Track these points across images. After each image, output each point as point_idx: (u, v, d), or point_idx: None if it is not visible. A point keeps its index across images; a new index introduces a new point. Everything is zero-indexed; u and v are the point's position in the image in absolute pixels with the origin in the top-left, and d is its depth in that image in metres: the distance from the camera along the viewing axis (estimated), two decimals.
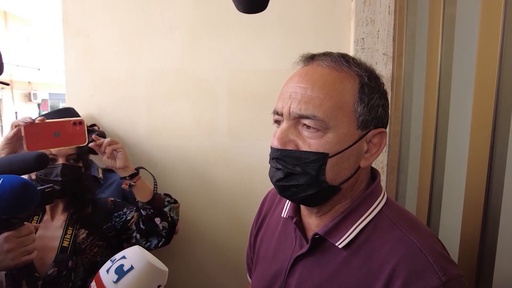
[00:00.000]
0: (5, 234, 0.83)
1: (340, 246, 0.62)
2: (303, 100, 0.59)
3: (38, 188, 0.89)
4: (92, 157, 1.35)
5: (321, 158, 0.58)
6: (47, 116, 1.28)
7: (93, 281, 0.61)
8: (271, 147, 0.63)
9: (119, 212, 1.27)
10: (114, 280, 0.58)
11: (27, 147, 1.02)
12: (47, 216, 1.22)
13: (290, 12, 1.46)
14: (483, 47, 0.88)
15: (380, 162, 1.38)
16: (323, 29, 1.45)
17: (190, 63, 1.52)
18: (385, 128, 0.64)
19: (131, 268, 0.59)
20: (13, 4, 8.83)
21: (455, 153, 1.03)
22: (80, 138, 1.10)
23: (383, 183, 1.40)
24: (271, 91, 1.47)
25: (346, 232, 0.62)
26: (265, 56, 1.49)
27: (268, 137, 0.67)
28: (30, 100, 10.50)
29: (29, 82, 10.42)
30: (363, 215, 0.63)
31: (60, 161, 1.17)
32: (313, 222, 0.68)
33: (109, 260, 0.63)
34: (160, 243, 1.24)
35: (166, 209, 1.23)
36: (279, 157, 0.61)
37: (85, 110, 1.55)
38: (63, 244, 1.16)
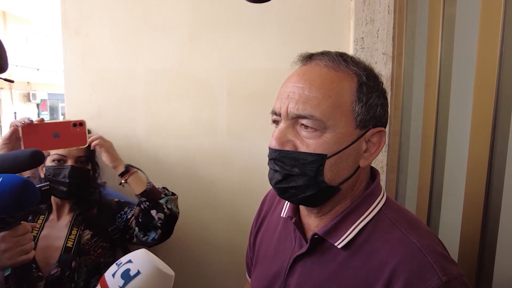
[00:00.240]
0: (1, 234, 0.82)
1: (339, 247, 0.61)
2: (300, 100, 0.59)
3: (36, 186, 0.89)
4: None
5: (319, 159, 0.58)
6: None
7: (98, 285, 0.60)
8: (269, 148, 0.62)
9: (121, 212, 1.28)
10: (120, 285, 0.58)
11: (25, 148, 1.02)
12: (53, 216, 1.23)
13: (289, 11, 1.46)
14: (483, 46, 0.88)
15: (380, 162, 1.38)
16: (323, 28, 1.45)
17: (189, 62, 1.52)
18: (385, 127, 0.64)
19: (138, 273, 0.58)
20: (11, 4, 8.81)
21: (455, 152, 1.03)
22: (80, 140, 1.10)
23: (383, 183, 1.40)
24: (271, 90, 1.47)
25: (345, 233, 0.62)
26: (265, 56, 1.49)
27: (268, 137, 0.67)
28: (29, 100, 10.48)
29: (28, 82, 10.40)
30: (362, 215, 0.62)
31: (69, 162, 1.19)
32: (313, 222, 0.68)
33: (114, 264, 0.62)
34: (157, 236, 1.21)
35: (162, 201, 1.21)
36: (277, 158, 0.61)
37: (84, 110, 1.55)
38: (67, 244, 1.17)
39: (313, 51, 0.66)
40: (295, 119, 0.60)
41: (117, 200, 1.35)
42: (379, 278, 0.57)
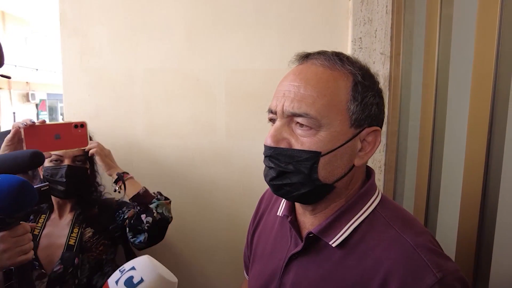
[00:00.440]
0: (0, 234, 0.83)
1: (333, 245, 0.62)
2: (296, 98, 0.59)
3: (35, 186, 0.90)
4: None
5: (314, 156, 0.59)
6: None
7: None
8: (264, 145, 0.63)
9: (119, 211, 1.30)
10: None
11: (27, 148, 1.03)
12: (54, 215, 1.26)
13: (288, 12, 1.46)
14: (480, 46, 0.89)
15: (378, 162, 1.39)
16: (321, 28, 1.45)
17: (187, 62, 1.52)
18: (381, 127, 0.64)
19: (141, 280, 0.59)
20: (10, 4, 8.79)
21: (452, 152, 1.03)
22: (81, 141, 1.11)
23: (381, 182, 1.40)
24: (269, 90, 1.45)
25: (340, 231, 0.62)
26: (263, 56, 1.49)
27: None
28: (28, 100, 10.45)
29: (27, 82, 10.37)
30: (357, 214, 0.63)
31: (66, 162, 1.21)
32: (308, 220, 0.68)
33: (117, 270, 0.62)
34: (144, 239, 1.21)
35: (152, 206, 1.22)
36: (272, 155, 0.61)
37: (83, 110, 1.56)
38: (69, 242, 1.19)
39: (311, 51, 0.67)
40: (291, 117, 0.61)
41: (117, 199, 1.36)
42: (374, 278, 0.57)
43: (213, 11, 1.49)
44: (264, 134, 0.63)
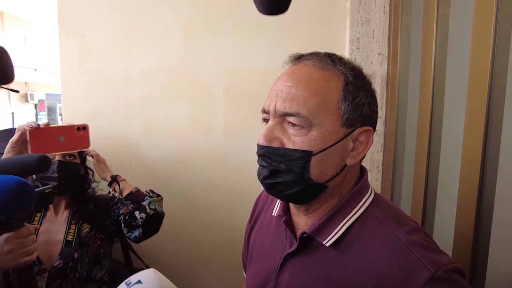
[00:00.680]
0: (5, 235, 0.84)
1: (327, 245, 0.62)
2: (288, 98, 0.60)
3: (38, 189, 0.91)
4: None
5: (305, 155, 0.59)
6: None
7: None
8: (257, 144, 0.64)
9: (114, 207, 1.32)
10: None
11: (32, 150, 1.07)
12: (50, 212, 1.28)
13: (286, 12, 1.46)
14: (476, 46, 0.89)
15: (376, 161, 1.39)
16: (319, 29, 1.46)
17: (186, 63, 1.52)
18: (373, 127, 0.64)
19: None
20: (9, 5, 8.79)
21: (449, 152, 1.04)
22: (83, 143, 1.16)
23: (379, 182, 1.41)
24: (267, 91, 1.47)
25: (333, 231, 0.62)
26: (261, 56, 1.49)
27: None
28: (26, 101, 10.44)
29: (25, 82, 10.36)
30: (350, 213, 0.63)
31: (57, 158, 1.22)
32: (302, 220, 0.69)
33: (123, 283, 0.63)
34: (139, 234, 1.25)
35: (145, 203, 1.26)
36: (265, 154, 0.62)
37: (81, 110, 1.56)
38: (68, 238, 1.22)
39: (308, 51, 0.67)
40: (283, 116, 0.61)
41: (111, 195, 1.38)
42: (369, 277, 0.57)
43: (211, 11, 1.50)
44: None
